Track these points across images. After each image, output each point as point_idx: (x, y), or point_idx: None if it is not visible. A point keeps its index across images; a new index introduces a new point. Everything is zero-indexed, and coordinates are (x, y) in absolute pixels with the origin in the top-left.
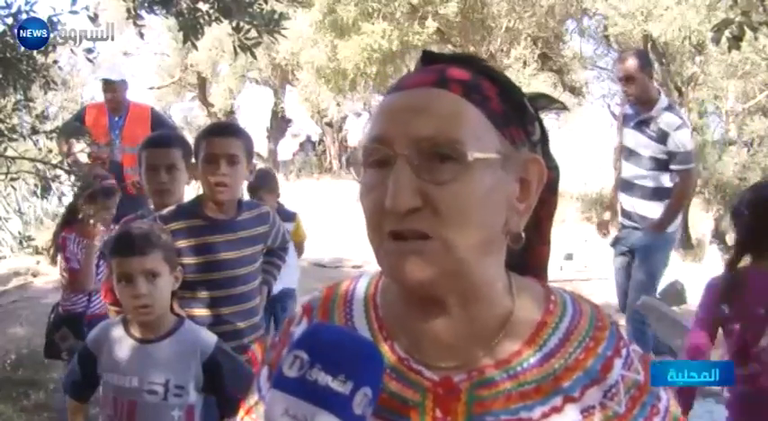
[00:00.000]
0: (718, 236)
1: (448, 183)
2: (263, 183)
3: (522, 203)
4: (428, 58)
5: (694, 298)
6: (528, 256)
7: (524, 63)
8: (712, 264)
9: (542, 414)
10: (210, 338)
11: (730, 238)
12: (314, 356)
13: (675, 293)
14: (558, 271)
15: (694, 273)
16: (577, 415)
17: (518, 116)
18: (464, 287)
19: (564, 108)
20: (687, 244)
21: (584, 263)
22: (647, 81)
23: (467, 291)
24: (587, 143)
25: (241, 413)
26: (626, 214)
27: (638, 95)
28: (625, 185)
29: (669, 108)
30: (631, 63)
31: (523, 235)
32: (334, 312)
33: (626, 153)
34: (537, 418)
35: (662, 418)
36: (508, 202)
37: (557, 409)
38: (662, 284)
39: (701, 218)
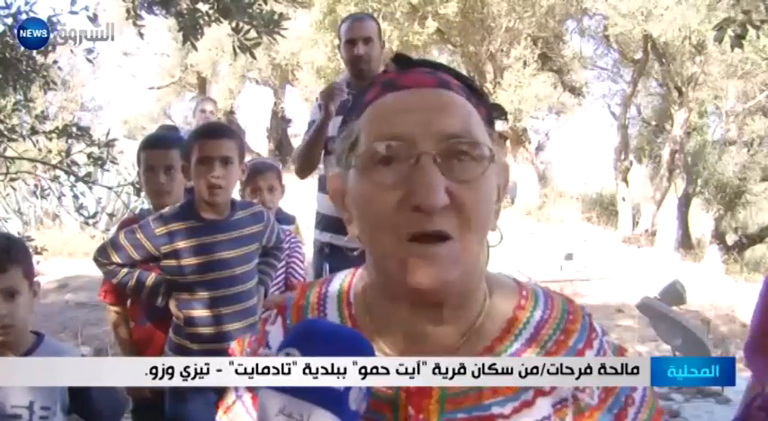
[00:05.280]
0: (718, 236)
1: (471, 181)
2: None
3: (497, 204)
4: (399, 61)
5: (694, 298)
6: None
7: (524, 63)
8: (712, 264)
9: (513, 409)
10: (74, 355)
11: (730, 238)
12: (306, 353)
13: (675, 293)
14: (557, 271)
15: (694, 273)
16: (549, 408)
17: (492, 120)
18: (465, 288)
19: (504, 116)
20: (687, 244)
21: (584, 263)
22: (381, 50)
23: (466, 292)
24: (587, 143)
25: (219, 413)
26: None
27: (368, 68)
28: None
29: None
30: (371, 24)
31: (501, 234)
32: (306, 311)
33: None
34: (509, 413)
35: (637, 409)
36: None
37: (528, 404)
38: (662, 284)
39: (701, 218)
